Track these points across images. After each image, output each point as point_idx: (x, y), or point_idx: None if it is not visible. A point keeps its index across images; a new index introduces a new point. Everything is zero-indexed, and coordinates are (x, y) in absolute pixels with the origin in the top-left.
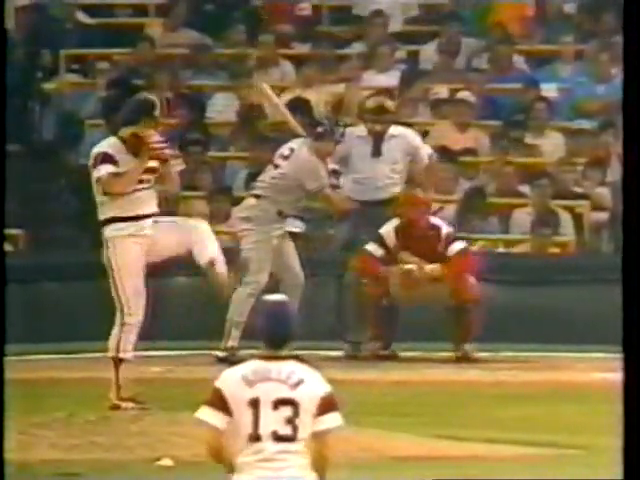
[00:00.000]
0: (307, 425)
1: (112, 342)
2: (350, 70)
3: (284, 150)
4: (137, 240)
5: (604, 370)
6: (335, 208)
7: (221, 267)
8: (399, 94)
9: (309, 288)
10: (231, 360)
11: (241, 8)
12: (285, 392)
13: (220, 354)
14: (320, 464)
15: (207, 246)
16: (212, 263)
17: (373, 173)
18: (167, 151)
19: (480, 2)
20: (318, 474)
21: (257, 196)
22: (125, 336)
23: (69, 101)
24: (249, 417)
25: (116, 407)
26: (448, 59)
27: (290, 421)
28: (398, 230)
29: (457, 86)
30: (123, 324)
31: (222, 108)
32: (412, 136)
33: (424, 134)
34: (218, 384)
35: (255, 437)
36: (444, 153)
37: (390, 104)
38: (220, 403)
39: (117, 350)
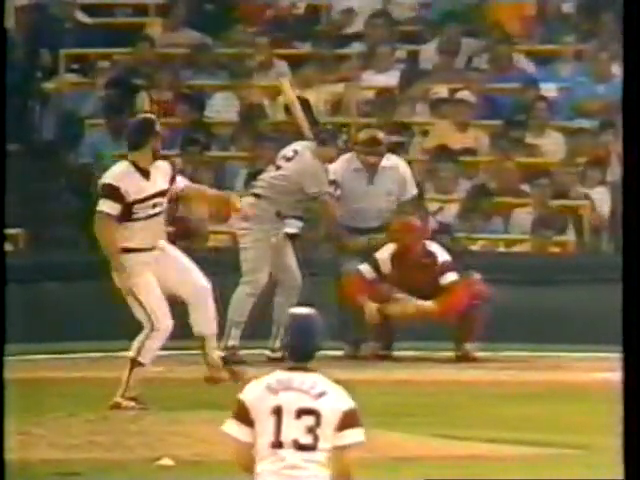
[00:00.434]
0: (328, 436)
1: (135, 344)
2: (349, 70)
3: (287, 152)
4: (149, 266)
5: (604, 370)
6: (329, 215)
7: (212, 344)
8: (399, 93)
9: (308, 288)
10: (232, 360)
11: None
12: (308, 402)
13: (220, 353)
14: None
15: (202, 320)
16: (204, 339)
17: (368, 204)
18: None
19: (480, 1)
20: None
21: (257, 195)
22: (150, 342)
23: (69, 101)
24: (271, 424)
25: (117, 405)
26: (448, 59)
27: (311, 430)
28: (394, 257)
29: (457, 86)
30: (152, 330)
31: (222, 108)
32: (404, 168)
33: (424, 134)
34: (241, 396)
35: (277, 444)
36: (444, 152)
37: (382, 136)
38: (243, 415)
39: (138, 353)
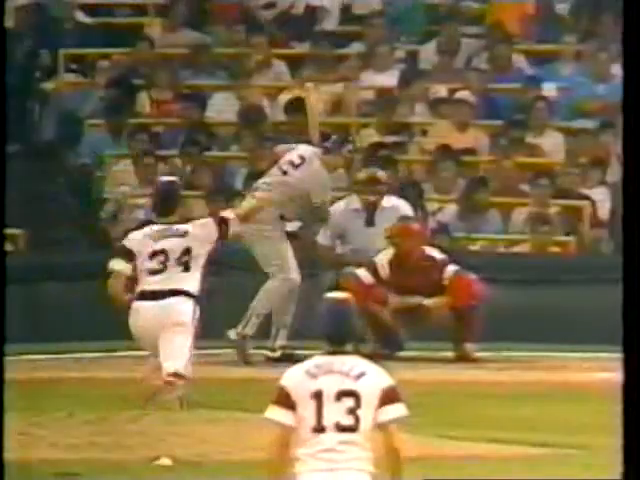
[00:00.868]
0: (368, 417)
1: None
2: (349, 70)
3: (294, 158)
4: None
5: (604, 370)
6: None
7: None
8: (398, 94)
9: (309, 287)
10: (239, 346)
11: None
12: (347, 384)
13: (232, 335)
14: (392, 458)
15: (170, 360)
16: (169, 377)
17: (367, 244)
18: None
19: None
20: (392, 469)
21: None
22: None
23: (68, 101)
24: (312, 409)
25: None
26: (447, 59)
27: (352, 412)
28: (392, 262)
29: (456, 86)
30: None
31: (222, 108)
32: (405, 209)
33: (423, 134)
34: (282, 382)
35: (319, 429)
36: (444, 152)
37: (382, 174)
38: (285, 400)
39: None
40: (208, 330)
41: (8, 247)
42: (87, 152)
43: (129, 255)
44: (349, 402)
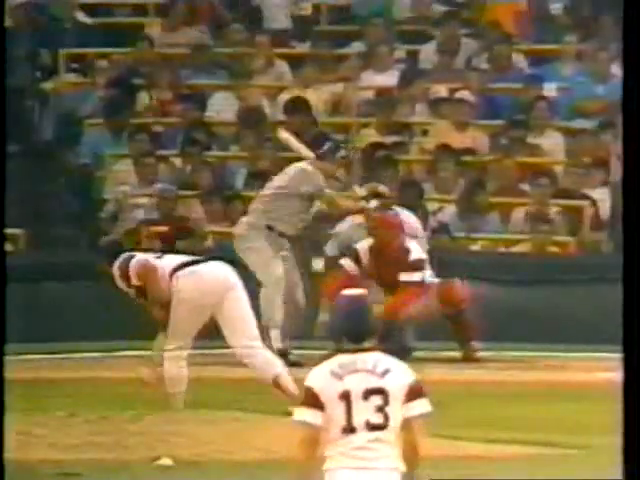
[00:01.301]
0: (397, 413)
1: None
2: (349, 70)
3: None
4: None
5: (604, 370)
6: (339, 208)
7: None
8: (398, 93)
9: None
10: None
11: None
12: (374, 381)
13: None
14: (410, 453)
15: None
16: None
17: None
18: None
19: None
20: (409, 464)
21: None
22: None
23: (68, 100)
24: (342, 410)
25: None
26: (447, 59)
27: (381, 409)
28: (371, 249)
29: (456, 86)
30: None
31: (222, 107)
32: (412, 221)
33: (423, 133)
34: (308, 383)
35: (349, 429)
36: (444, 152)
37: (383, 188)
38: (313, 401)
39: None
40: (209, 330)
41: (8, 247)
42: (87, 152)
43: (130, 256)
44: (377, 400)
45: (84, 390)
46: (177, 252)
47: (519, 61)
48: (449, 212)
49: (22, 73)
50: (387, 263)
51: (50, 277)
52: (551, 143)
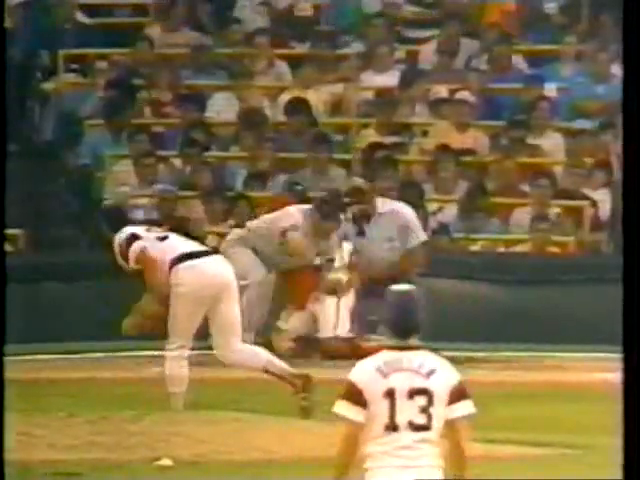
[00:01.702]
0: (440, 414)
1: None
2: (349, 70)
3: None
4: None
5: (604, 370)
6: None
7: None
8: (398, 94)
9: None
10: None
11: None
12: (419, 382)
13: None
14: (457, 455)
15: None
16: None
17: (366, 254)
18: None
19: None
20: (457, 466)
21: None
22: None
23: (68, 101)
24: (385, 408)
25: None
26: (447, 59)
27: (425, 410)
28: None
29: (456, 86)
30: None
31: (221, 108)
32: (405, 213)
33: (423, 134)
34: (352, 377)
35: (392, 427)
36: (444, 152)
37: (364, 184)
38: (356, 396)
39: None
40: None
41: (8, 247)
42: (87, 152)
43: (133, 237)
44: (421, 400)
45: (84, 390)
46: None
47: (519, 62)
48: (449, 213)
49: (22, 73)
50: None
51: (50, 277)
52: (551, 143)
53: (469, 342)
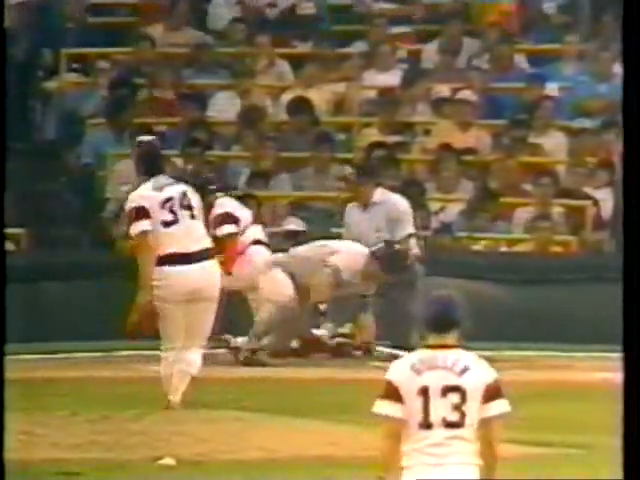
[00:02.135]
0: (474, 412)
1: None
2: (351, 69)
3: None
4: None
5: (605, 370)
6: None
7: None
8: (401, 93)
9: None
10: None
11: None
12: (452, 379)
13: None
14: (489, 453)
15: None
16: None
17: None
18: None
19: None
20: (487, 464)
21: None
22: None
23: (70, 100)
24: (419, 405)
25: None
26: (449, 58)
27: (457, 408)
28: None
29: (458, 85)
30: None
31: (224, 107)
32: (396, 204)
33: (426, 133)
34: (389, 376)
35: (426, 425)
36: (446, 152)
37: (349, 172)
38: (394, 394)
39: None
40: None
41: (10, 246)
42: (89, 151)
43: (143, 212)
44: (454, 398)
45: (85, 390)
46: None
47: (521, 61)
48: (451, 212)
49: (24, 72)
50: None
51: (51, 276)
52: (553, 143)
53: (473, 341)
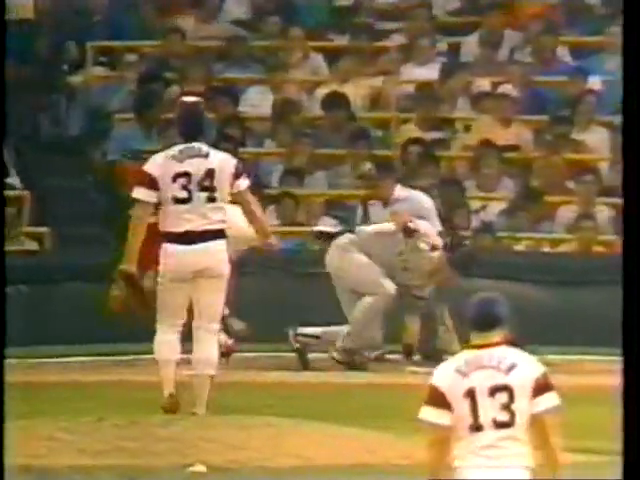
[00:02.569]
0: (524, 409)
1: None
2: (389, 63)
3: None
4: None
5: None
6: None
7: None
8: (439, 87)
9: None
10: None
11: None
12: (499, 378)
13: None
14: (547, 451)
15: None
16: None
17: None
18: None
19: None
20: (550, 464)
21: None
22: None
23: (96, 95)
24: (467, 408)
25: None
26: (490, 51)
27: (506, 407)
28: None
29: (499, 79)
30: None
31: (256, 102)
32: (425, 201)
33: (466, 129)
34: (434, 381)
35: (476, 427)
36: (487, 148)
37: (370, 169)
38: (440, 400)
39: None
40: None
41: (33, 245)
42: (115, 148)
43: (150, 181)
44: (502, 397)
45: (112, 394)
46: None
47: (563, 54)
48: (492, 211)
49: (49, 66)
50: None
51: (77, 277)
52: (596, 139)
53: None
